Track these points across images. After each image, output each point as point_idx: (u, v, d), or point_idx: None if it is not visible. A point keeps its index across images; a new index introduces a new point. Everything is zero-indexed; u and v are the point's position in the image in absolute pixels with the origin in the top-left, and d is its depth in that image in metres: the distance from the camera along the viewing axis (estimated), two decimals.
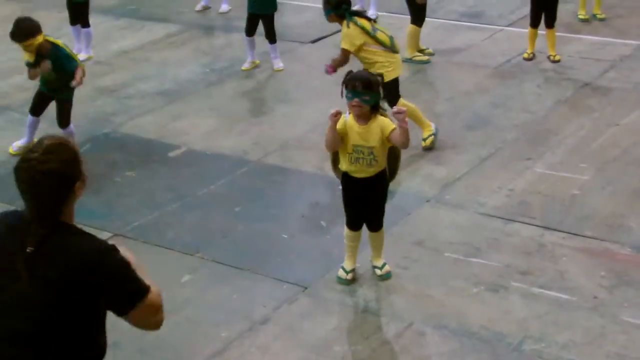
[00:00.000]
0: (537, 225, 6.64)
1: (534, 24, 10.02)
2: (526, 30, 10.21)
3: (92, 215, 6.84)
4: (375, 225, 5.97)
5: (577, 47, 10.43)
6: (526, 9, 10.38)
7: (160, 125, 8.84)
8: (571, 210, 6.86)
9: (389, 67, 7.51)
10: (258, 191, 7.41)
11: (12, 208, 3.30)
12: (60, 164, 3.04)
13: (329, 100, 9.02)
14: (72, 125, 7.98)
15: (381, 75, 6.31)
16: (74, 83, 7.65)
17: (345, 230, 6.00)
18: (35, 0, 12.97)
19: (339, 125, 5.58)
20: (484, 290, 5.87)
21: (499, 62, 10.13)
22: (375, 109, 5.66)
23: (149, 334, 5.47)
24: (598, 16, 11.37)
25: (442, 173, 7.55)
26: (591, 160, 7.64)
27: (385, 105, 6.93)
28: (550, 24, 9.90)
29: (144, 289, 3.10)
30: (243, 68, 10.25)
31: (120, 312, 3.11)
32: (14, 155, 7.94)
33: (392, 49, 7.59)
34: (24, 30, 7.56)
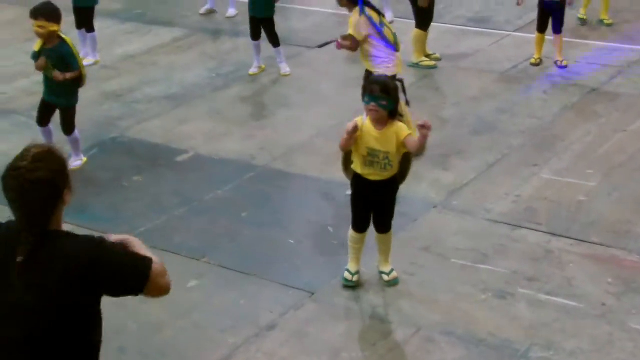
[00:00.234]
0: (544, 232, 6.63)
1: (541, 30, 10.00)
2: (533, 36, 10.20)
3: (98, 219, 6.80)
4: (384, 227, 5.97)
5: (584, 53, 10.42)
6: (533, 15, 10.36)
7: (167, 130, 8.84)
8: (578, 216, 6.85)
9: (389, 64, 7.54)
10: (265, 196, 7.40)
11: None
12: (49, 173, 3.02)
13: (335, 105, 9.06)
14: (77, 131, 7.91)
15: (401, 81, 6.25)
16: (56, 73, 7.46)
17: (351, 231, 5.99)
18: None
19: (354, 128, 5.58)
20: (491, 296, 5.86)
21: (506, 68, 10.12)
22: (392, 115, 5.65)
23: (154, 339, 5.53)
24: (605, 21, 11.34)
25: (449, 179, 7.55)
26: (598, 167, 7.62)
27: (403, 105, 6.90)
28: (557, 30, 9.89)
29: (147, 265, 3.14)
30: (250, 73, 10.24)
31: (135, 293, 3.15)
32: None
33: (395, 47, 7.65)
34: (48, 10, 7.48)
